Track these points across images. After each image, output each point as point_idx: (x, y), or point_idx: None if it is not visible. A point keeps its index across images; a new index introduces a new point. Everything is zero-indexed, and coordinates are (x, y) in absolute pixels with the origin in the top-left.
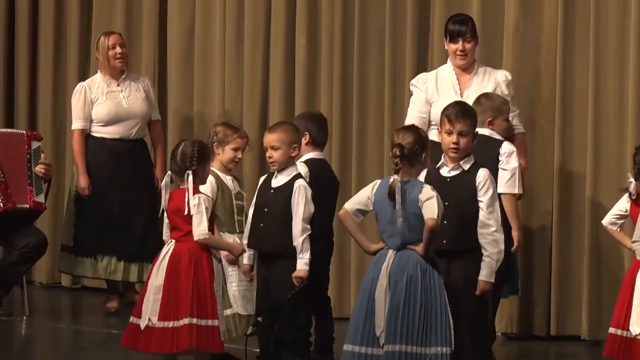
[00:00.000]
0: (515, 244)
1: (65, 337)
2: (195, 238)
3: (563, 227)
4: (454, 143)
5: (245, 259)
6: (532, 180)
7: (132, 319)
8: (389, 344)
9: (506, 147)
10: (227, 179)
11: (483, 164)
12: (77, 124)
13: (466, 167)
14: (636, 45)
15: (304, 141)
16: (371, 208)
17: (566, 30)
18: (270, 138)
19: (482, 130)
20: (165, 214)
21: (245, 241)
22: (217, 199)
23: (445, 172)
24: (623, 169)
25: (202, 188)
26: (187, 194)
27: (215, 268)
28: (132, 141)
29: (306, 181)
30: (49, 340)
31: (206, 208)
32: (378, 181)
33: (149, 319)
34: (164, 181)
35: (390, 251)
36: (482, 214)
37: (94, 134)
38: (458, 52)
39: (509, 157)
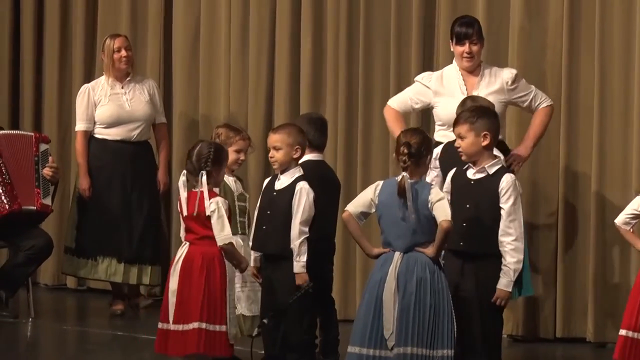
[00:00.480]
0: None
1: (71, 338)
2: (219, 243)
3: (568, 228)
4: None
5: (252, 261)
6: (537, 180)
7: (159, 324)
8: (399, 346)
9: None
10: (230, 180)
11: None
12: (80, 126)
13: (491, 170)
14: None
15: None
16: (374, 210)
17: (571, 31)
18: (273, 138)
19: None
20: (180, 214)
21: (251, 244)
22: None
23: (470, 174)
24: (628, 169)
25: None
26: (199, 195)
27: (228, 271)
28: (135, 143)
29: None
30: (55, 342)
31: (225, 211)
32: (380, 183)
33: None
34: (180, 180)
35: (397, 253)
36: (503, 222)
37: (97, 136)
38: (464, 55)
39: None
